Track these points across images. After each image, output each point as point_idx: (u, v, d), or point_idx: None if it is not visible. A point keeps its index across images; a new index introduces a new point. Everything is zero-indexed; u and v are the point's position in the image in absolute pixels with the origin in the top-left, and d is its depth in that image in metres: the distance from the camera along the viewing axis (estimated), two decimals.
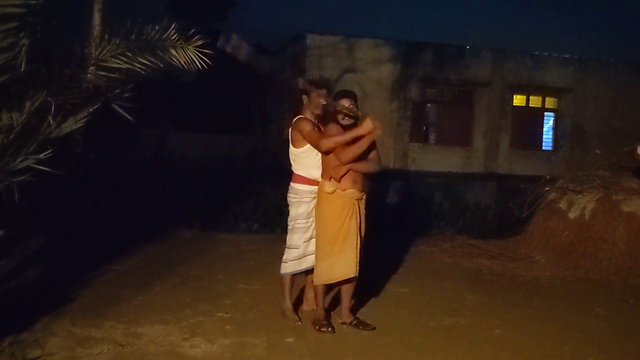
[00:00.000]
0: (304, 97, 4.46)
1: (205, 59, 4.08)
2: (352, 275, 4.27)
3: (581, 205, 7.37)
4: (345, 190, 4.25)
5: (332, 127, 4.28)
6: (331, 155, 4.26)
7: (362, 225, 4.38)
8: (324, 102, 4.38)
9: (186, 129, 15.89)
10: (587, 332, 4.54)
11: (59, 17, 3.92)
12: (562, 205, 7.57)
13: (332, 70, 14.35)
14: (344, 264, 4.24)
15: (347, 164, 4.22)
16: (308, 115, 4.44)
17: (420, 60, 15.15)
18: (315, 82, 4.71)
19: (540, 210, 7.86)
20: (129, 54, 3.89)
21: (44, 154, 3.48)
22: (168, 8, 24.56)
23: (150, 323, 4.18)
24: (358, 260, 4.29)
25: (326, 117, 4.42)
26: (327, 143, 4.22)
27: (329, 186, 4.26)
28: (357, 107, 4.33)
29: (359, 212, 4.33)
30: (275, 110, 17.29)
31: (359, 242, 4.30)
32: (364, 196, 4.39)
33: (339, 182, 4.24)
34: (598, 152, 8.34)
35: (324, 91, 4.43)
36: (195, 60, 4.10)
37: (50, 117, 3.45)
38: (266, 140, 17.22)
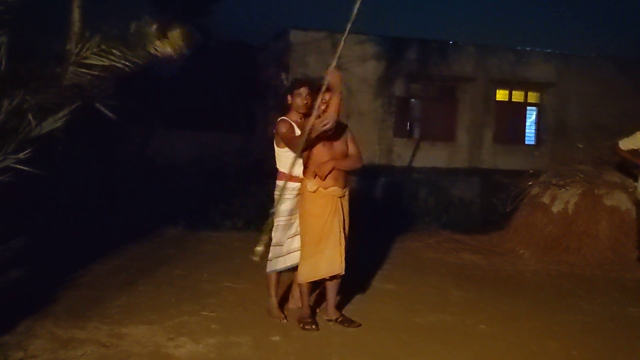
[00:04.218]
0: (288, 97, 4.44)
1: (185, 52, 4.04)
2: (337, 272, 4.28)
3: (564, 200, 7.44)
4: (327, 188, 4.25)
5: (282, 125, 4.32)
6: (314, 152, 4.26)
7: (345, 222, 4.37)
8: (306, 102, 4.37)
9: (172, 126, 15.75)
10: (572, 327, 4.58)
11: (38, 14, 3.86)
12: (546, 199, 7.63)
13: (316, 67, 14.28)
14: (328, 261, 4.24)
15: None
16: (293, 115, 4.42)
17: (404, 56, 15.16)
18: (298, 81, 4.67)
19: (524, 205, 7.91)
20: (111, 50, 3.84)
21: (24, 153, 3.42)
22: (151, 3, 24.29)
23: (134, 323, 4.14)
24: (342, 257, 4.29)
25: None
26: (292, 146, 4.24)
27: (311, 185, 4.25)
28: (312, 96, 4.29)
29: (342, 209, 4.34)
30: (260, 108, 17.23)
31: (342, 239, 4.30)
32: (346, 193, 4.39)
33: (324, 179, 4.23)
34: (580, 146, 8.41)
35: (305, 89, 4.41)
36: (179, 46, 4.05)
37: (29, 116, 3.40)
38: (252, 138, 17.15)
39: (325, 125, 4.05)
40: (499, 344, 4.11)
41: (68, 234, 6.60)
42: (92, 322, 4.13)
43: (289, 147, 4.32)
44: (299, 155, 4.23)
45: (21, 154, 3.42)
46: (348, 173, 4.43)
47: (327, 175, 4.23)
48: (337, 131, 4.30)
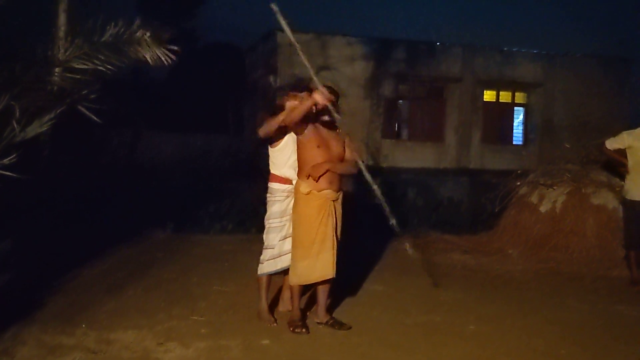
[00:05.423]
0: (285, 98, 4.45)
1: (172, 55, 4.04)
2: (330, 277, 4.27)
3: (552, 199, 7.48)
4: (320, 190, 4.23)
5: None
6: (310, 154, 4.23)
7: (338, 226, 4.37)
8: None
9: (159, 128, 15.69)
10: (560, 325, 4.60)
11: (22, 17, 3.82)
12: (534, 199, 7.67)
13: (304, 69, 14.30)
14: (322, 265, 4.23)
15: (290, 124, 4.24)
16: None
17: (392, 57, 15.22)
18: (299, 84, 4.68)
19: (512, 205, 7.95)
20: (95, 54, 3.81)
21: (8, 159, 3.39)
22: (137, 7, 24.21)
23: (123, 328, 4.12)
24: (335, 261, 4.28)
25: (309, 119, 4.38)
26: (265, 127, 4.30)
27: (305, 187, 4.23)
28: (337, 104, 4.33)
29: (335, 212, 4.33)
30: (248, 109, 17.21)
31: (335, 243, 4.30)
32: (340, 196, 4.38)
33: (317, 181, 4.21)
34: (567, 145, 8.45)
35: (306, 94, 4.40)
36: (163, 57, 4.04)
37: (14, 121, 3.37)
38: (240, 139, 17.12)
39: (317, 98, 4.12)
40: (488, 344, 4.13)
41: (55, 238, 6.54)
42: (80, 327, 4.10)
43: (270, 126, 4.30)
44: (276, 125, 4.26)
45: (6, 159, 3.38)
46: (343, 177, 4.42)
47: (320, 177, 4.21)
48: (334, 135, 4.34)
